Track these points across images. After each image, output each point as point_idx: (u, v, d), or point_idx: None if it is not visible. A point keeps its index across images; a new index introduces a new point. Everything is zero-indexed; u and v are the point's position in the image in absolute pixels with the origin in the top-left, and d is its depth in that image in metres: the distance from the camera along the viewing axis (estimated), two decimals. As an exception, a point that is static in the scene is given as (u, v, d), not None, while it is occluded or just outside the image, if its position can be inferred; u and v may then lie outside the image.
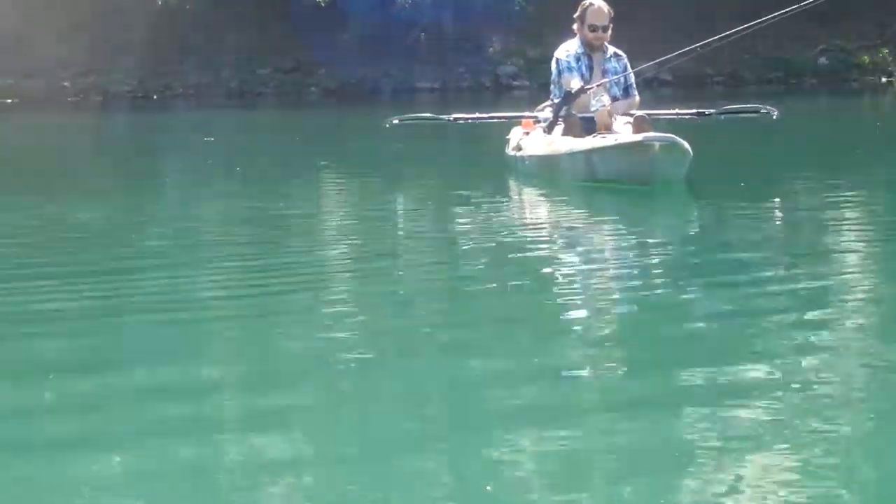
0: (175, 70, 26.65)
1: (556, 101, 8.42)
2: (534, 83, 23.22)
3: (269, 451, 2.91)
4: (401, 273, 5.24)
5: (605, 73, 8.39)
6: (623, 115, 8.16)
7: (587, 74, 8.36)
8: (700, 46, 8.44)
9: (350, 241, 6.31)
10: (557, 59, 8.46)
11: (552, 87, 8.56)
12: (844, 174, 8.98)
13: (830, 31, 27.37)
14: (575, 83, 8.20)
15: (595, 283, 4.92)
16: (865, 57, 27.77)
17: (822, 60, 27.77)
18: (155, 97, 25.95)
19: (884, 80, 27.07)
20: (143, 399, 3.29)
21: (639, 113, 8.23)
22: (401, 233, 6.63)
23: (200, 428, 3.08)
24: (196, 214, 7.59)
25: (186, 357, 3.78)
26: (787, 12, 7.88)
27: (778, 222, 6.70)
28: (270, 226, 6.82)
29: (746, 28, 8.25)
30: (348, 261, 5.65)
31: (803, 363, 3.51)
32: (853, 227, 6.30)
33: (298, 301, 4.60)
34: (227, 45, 26.49)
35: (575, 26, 8.50)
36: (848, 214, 6.84)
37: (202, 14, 26.97)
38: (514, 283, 4.89)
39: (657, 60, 8.87)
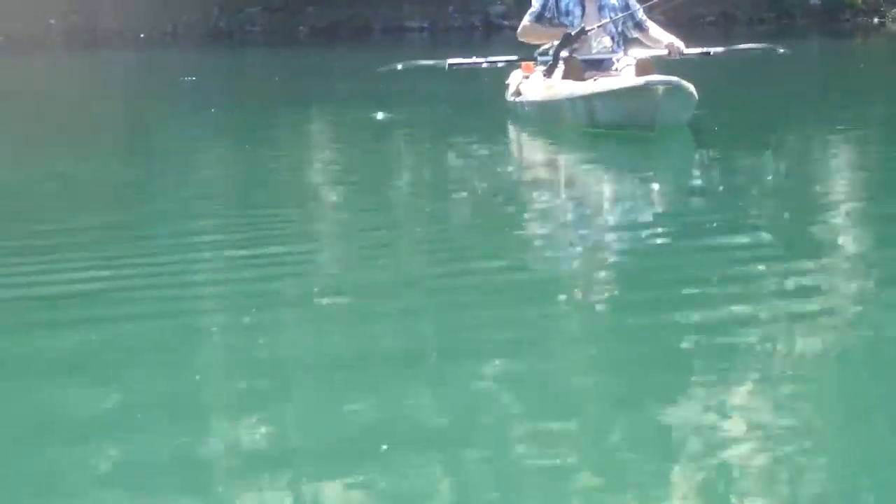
0: (162, 9, 26.32)
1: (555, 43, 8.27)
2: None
3: (258, 400, 2.89)
4: (397, 222, 5.19)
5: (601, 9, 8.26)
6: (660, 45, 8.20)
7: (576, 11, 8.22)
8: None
9: (340, 190, 6.20)
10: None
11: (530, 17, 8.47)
12: (836, 116, 8.98)
13: (823, -31, 27.19)
14: (532, 25, 8.32)
15: (592, 232, 4.93)
16: (857, -4, 27.62)
17: (814, 0, 27.58)
18: (142, 36, 25.63)
19: (875, 20, 26.94)
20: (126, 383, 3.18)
21: (643, 55, 8.12)
22: (396, 182, 6.50)
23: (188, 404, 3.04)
24: (166, 163, 7.31)
25: (171, 335, 3.62)
26: None
27: (776, 167, 6.64)
28: (252, 176, 6.60)
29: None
30: (339, 210, 5.58)
31: (798, 313, 3.52)
32: (847, 174, 6.27)
33: (289, 254, 4.54)
34: (214, -17, 26.19)
35: (572, -38, 8.36)
36: (840, 157, 6.88)
37: (188, -48, 26.60)
38: (509, 230, 4.88)
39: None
